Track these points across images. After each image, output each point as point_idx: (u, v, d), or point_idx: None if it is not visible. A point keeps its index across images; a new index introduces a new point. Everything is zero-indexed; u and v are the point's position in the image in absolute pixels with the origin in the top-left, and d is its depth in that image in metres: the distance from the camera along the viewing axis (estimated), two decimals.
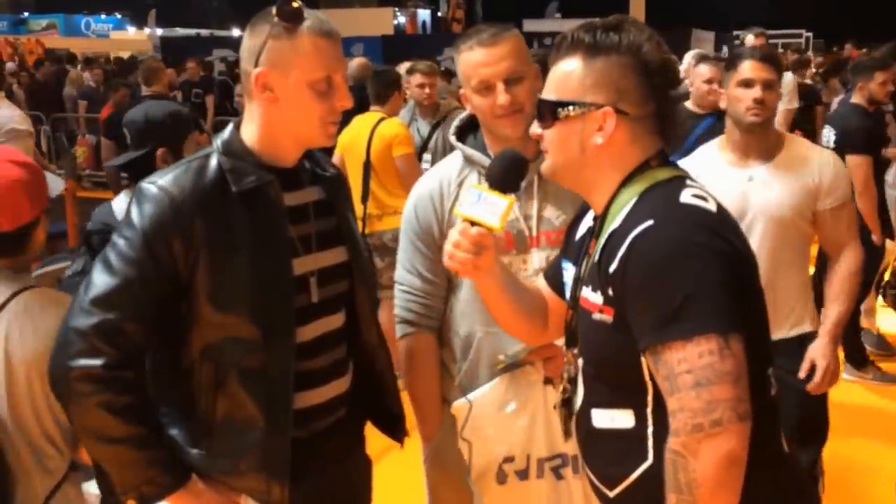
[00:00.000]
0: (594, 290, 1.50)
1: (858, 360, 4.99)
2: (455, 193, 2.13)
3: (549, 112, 1.54)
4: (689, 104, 4.58)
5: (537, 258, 2.10)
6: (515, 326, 1.83)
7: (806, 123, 7.31)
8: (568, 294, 1.69)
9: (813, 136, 6.38)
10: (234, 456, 1.73)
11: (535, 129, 1.59)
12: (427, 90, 5.36)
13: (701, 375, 1.32)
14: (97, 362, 1.59)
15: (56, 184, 2.06)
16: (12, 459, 1.82)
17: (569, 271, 1.72)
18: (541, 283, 1.85)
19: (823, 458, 3.09)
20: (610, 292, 1.45)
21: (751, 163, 2.84)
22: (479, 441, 2.13)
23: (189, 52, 16.45)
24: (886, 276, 4.78)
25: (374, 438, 2.06)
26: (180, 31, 28.50)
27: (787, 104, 6.68)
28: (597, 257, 1.50)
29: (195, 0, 41.06)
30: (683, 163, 2.79)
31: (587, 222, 1.68)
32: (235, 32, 26.31)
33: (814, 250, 3.37)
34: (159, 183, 1.68)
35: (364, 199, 4.84)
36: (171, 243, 1.64)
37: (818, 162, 2.80)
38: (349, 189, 2.07)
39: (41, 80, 14.32)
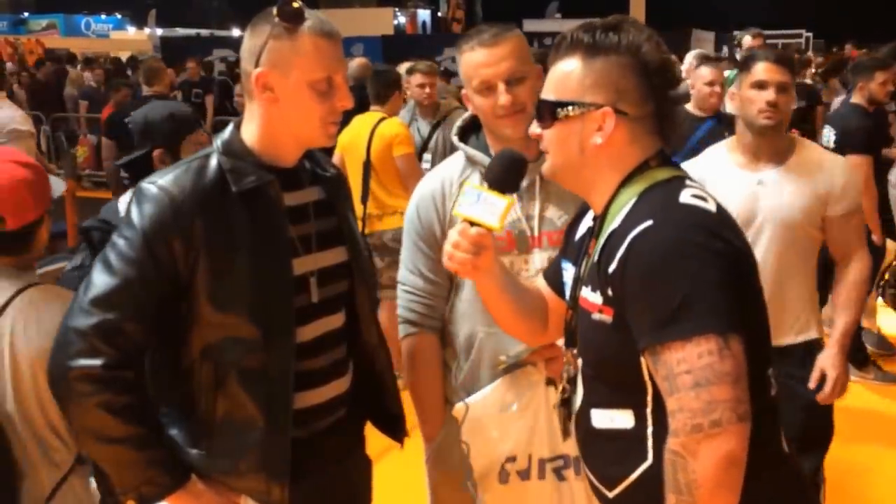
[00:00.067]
0: (594, 290, 1.50)
1: (860, 359, 4.98)
2: (457, 194, 2.13)
3: (548, 112, 1.54)
4: (689, 107, 4.54)
5: (539, 259, 2.10)
6: (515, 327, 1.83)
7: (806, 123, 7.29)
8: (567, 294, 1.69)
9: (813, 136, 6.36)
10: (233, 456, 1.73)
11: (535, 129, 1.59)
12: (427, 90, 5.37)
13: (700, 376, 1.32)
14: (97, 362, 1.59)
15: (58, 185, 2.10)
16: (19, 453, 1.85)
17: (568, 271, 1.72)
18: (540, 283, 1.85)
19: (824, 459, 3.08)
20: (609, 292, 1.45)
21: (761, 166, 2.78)
22: (477, 443, 2.13)
23: (189, 52, 16.41)
24: (887, 276, 4.78)
25: (374, 438, 2.06)
26: (180, 31, 28.43)
27: None
28: (596, 257, 1.50)
29: (195, 0, 41.02)
30: (690, 164, 2.78)
31: (587, 222, 1.68)
32: (235, 32, 26.27)
33: None
34: (159, 183, 1.68)
35: (364, 199, 4.84)
36: (171, 243, 1.64)
37: (830, 167, 2.74)
38: (349, 189, 2.07)
39: (42, 80, 14.34)
